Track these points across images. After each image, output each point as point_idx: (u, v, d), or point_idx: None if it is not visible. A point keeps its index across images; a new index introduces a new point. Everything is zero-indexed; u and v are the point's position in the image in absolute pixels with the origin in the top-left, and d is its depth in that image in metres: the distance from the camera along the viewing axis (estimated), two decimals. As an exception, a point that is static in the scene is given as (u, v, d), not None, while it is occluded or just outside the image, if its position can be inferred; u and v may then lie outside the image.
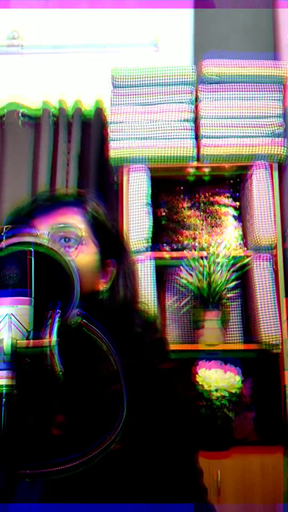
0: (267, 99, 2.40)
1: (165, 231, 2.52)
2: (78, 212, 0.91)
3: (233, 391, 2.10)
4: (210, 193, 2.58)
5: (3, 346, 0.61)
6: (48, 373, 0.67)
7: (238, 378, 2.12)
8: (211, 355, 2.21)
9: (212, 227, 2.54)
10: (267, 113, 2.38)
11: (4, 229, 0.87)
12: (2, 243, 0.72)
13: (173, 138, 2.36)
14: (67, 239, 0.87)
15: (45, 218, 0.89)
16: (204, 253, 2.29)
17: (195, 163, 2.42)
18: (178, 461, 0.84)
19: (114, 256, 0.93)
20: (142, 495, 0.78)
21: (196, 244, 2.46)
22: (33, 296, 0.66)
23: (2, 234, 0.76)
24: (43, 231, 0.86)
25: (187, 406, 0.91)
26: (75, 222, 0.89)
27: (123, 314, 0.89)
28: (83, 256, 0.86)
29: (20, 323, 0.63)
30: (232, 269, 2.25)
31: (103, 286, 0.90)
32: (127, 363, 0.77)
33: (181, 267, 2.30)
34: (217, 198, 2.58)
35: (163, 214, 2.55)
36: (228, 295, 2.32)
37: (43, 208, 0.90)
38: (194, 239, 2.51)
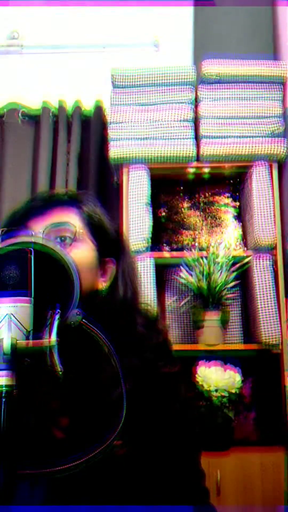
0: (267, 99, 2.40)
1: (165, 231, 2.52)
2: (73, 211, 0.90)
3: (233, 391, 2.10)
4: (210, 193, 2.58)
5: (3, 346, 0.61)
6: (48, 373, 0.67)
7: (238, 378, 2.12)
8: (211, 355, 2.21)
9: (212, 227, 2.54)
10: (267, 113, 2.38)
11: (0, 231, 0.87)
12: (1, 244, 0.72)
13: (173, 138, 2.36)
14: (62, 238, 0.86)
15: (39, 218, 0.88)
16: (204, 253, 2.29)
17: (195, 163, 2.41)
18: (180, 463, 0.84)
19: (113, 255, 0.93)
20: (144, 497, 0.77)
21: (196, 244, 2.46)
22: (33, 296, 0.66)
23: None
24: (38, 231, 0.86)
25: (190, 409, 0.90)
26: (69, 220, 0.88)
27: (124, 313, 0.88)
28: (78, 253, 0.84)
29: (20, 323, 0.63)
30: (232, 269, 2.25)
31: (102, 284, 0.90)
32: (129, 365, 0.76)
33: (181, 267, 2.30)
34: (217, 198, 2.58)
35: (163, 214, 2.55)
36: (228, 295, 2.32)
37: (37, 209, 0.89)
38: (194, 239, 2.51)
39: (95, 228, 0.91)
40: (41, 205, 0.90)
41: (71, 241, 0.86)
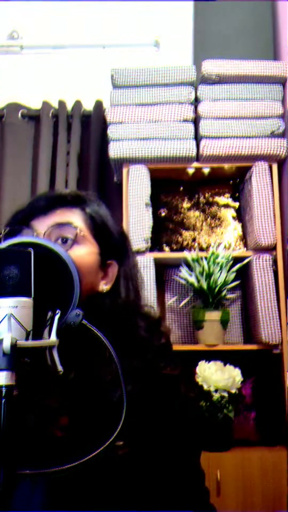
0: (267, 99, 2.40)
1: (165, 232, 2.52)
2: (76, 212, 0.90)
3: (233, 391, 2.10)
4: (210, 193, 2.58)
5: (3, 346, 0.61)
6: (48, 373, 0.67)
7: (238, 378, 2.12)
8: (211, 355, 2.21)
9: (212, 227, 2.54)
10: (267, 113, 2.38)
11: (3, 230, 0.87)
12: (1, 244, 0.71)
13: (173, 139, 2.36)
14: (64, 239, 0.86)
15: (42, 218, 0.88)
16: (204, 253, 2.29)
17: (195, 163, 2.41)
18: (181, 464, 0.84)
19: (116, 257, 0.92)
20: (145, 498, 0.77)
21: (196, 244, 2.46)
22: (33, 296, 0.66)
23: (1, 235, 0.75)
24: (40, 231, 0.86)
25: (191, 410, 0.90)
26: (72, 221, 0.88)
27: (126, 316, 0.88)
28: (78, 254, 0.84)
29: (20, 323, 0.63)
30: (232, 270, 2.25)
31: (103, 287, 0.90)
32: (130, 366, 0.76)
33: (181, 267, 2.30)
34: (217, 198, 2.58)
35: (163, 214, 2.55)
36: (228, 296, 2.32)
37: (40, 209, 0.89)
38: (194, 239, 2.51)
39: (97, 230, 0.90)
40: (45, 204, 0.90)
41: (72, 242, 0.86)
